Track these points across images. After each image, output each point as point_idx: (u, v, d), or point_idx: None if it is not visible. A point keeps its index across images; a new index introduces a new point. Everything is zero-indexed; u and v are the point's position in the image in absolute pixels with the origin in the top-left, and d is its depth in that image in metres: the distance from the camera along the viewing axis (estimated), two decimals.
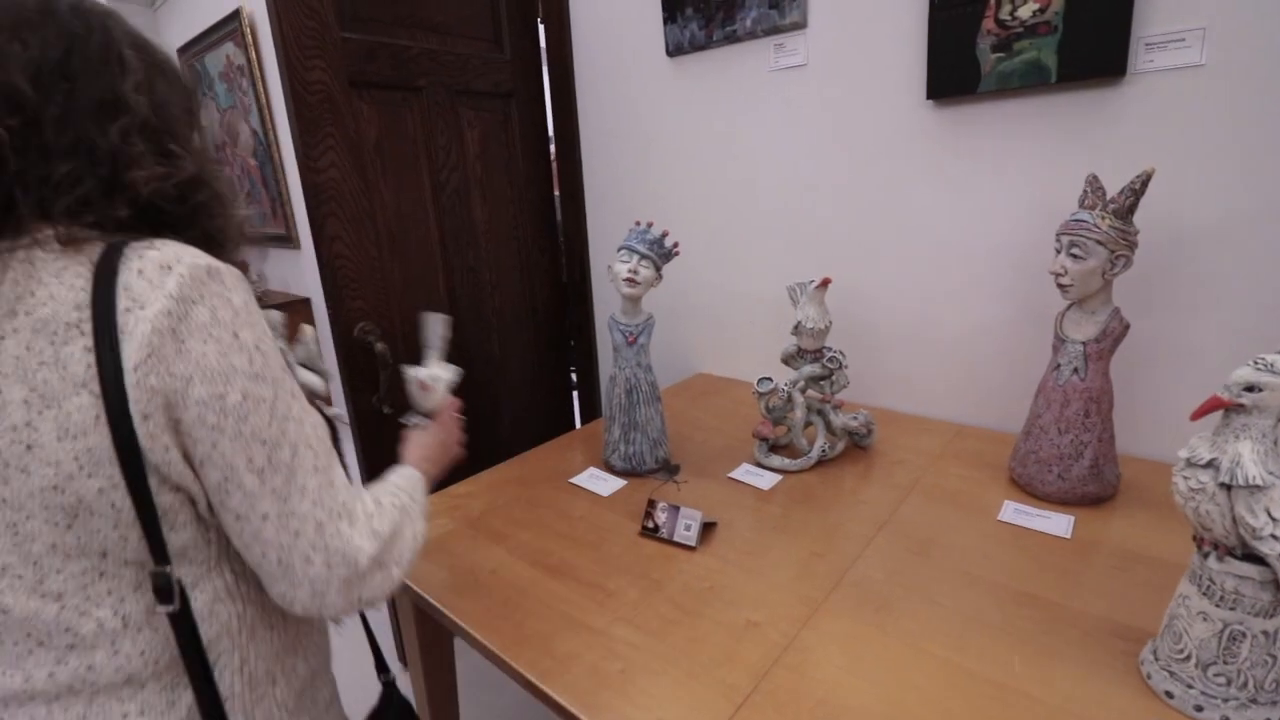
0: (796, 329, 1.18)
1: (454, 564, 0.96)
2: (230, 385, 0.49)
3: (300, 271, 3.41)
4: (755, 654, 0.75)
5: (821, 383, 1.20)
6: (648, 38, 1.64)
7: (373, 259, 1.48)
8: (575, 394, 2.16)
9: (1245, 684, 0.61)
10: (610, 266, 1.15)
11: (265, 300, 3.44)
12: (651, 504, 1.01)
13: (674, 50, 1.59)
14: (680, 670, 0.73)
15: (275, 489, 0.51)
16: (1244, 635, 0.61)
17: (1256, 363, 0.57)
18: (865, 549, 0.93)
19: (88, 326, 0.46)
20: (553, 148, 1.95)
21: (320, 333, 3.58)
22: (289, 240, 3.34)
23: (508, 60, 1.77)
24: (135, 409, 0.46)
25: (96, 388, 0.45)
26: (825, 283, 1.15)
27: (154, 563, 0.50)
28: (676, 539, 0.96)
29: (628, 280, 1.12)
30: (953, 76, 1.18)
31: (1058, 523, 0.94)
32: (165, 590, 0.50)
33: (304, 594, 0.53)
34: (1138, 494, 1.01)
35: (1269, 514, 0.56)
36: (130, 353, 0.45)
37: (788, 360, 1.24)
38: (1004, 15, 1.11)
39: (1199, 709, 0.62)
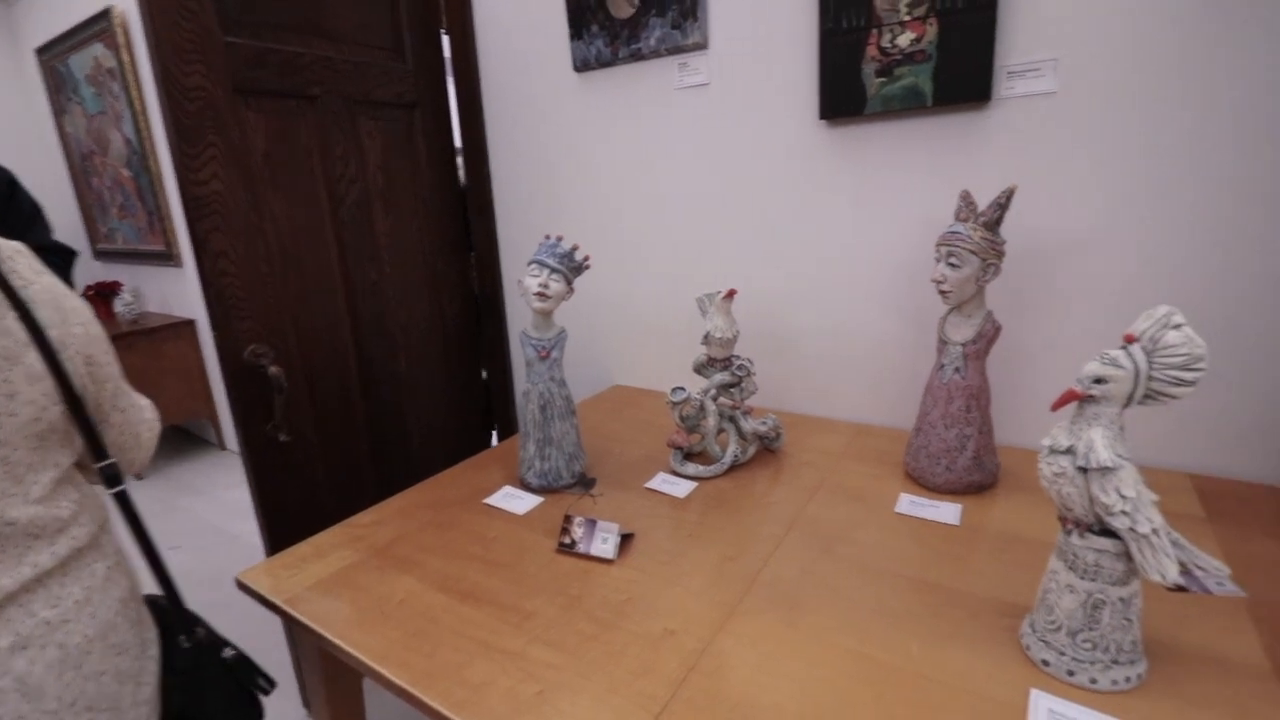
0: (706, 339, 1.21)
1: (358, 598, 0.91)
2: (95, 326, 0.71)
3: (183, 291, 3.15)
4: (673, 663, 0.75)
5: (732, 390, 1.23)
6: (555, 53, 1.64)
7: (263, 276, 1.39)
8: (491, 411, 2.11)
9: (1108, 647, 0.68)
10: (520, 281, 1.14)
11: (143, 323, 3.15)
12: (568, 519, 1.00)
13: (581, 66, 1.61)
14: (599, 686, 0.73)
15: (124, 391, 0.77)
16: (1104, 603, 0.67)
17: (1103, 358, 0.64)
18: (776, 549, 0.96)
19: (7, 303, 0.62)
20: (460, 160, 1.92)
21: (205, 356, 3.33)
22: (169, 258, 3.08)
23: (410, 70, 1.73)
24: (63, 354, 0.66)
25: (35, 343, 0.63)
26: (731, 294, 1.19)
27: (94, 459, 0.71)
28: (594, 553, 0.96)
29: (538, 294, 1.12)
30: (842, 98, 1.26)
31: (947, 511, 1.01)
32: (113, 478, 0.73)
33: (144, 455, 0.82)
34: (1015, 480, 1.10)
35: (1119, 492, 0.63)
36: (43, 317, 0.64)
37: (699, 369, 1.27)
38: (885, 43, 1.19)
39: (1070, 674, 0.69)
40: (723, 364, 1.23)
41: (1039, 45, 1.09)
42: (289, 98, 1.44)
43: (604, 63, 1.57)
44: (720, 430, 1.23)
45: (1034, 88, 1.10)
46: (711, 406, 1.20)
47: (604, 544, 0.96)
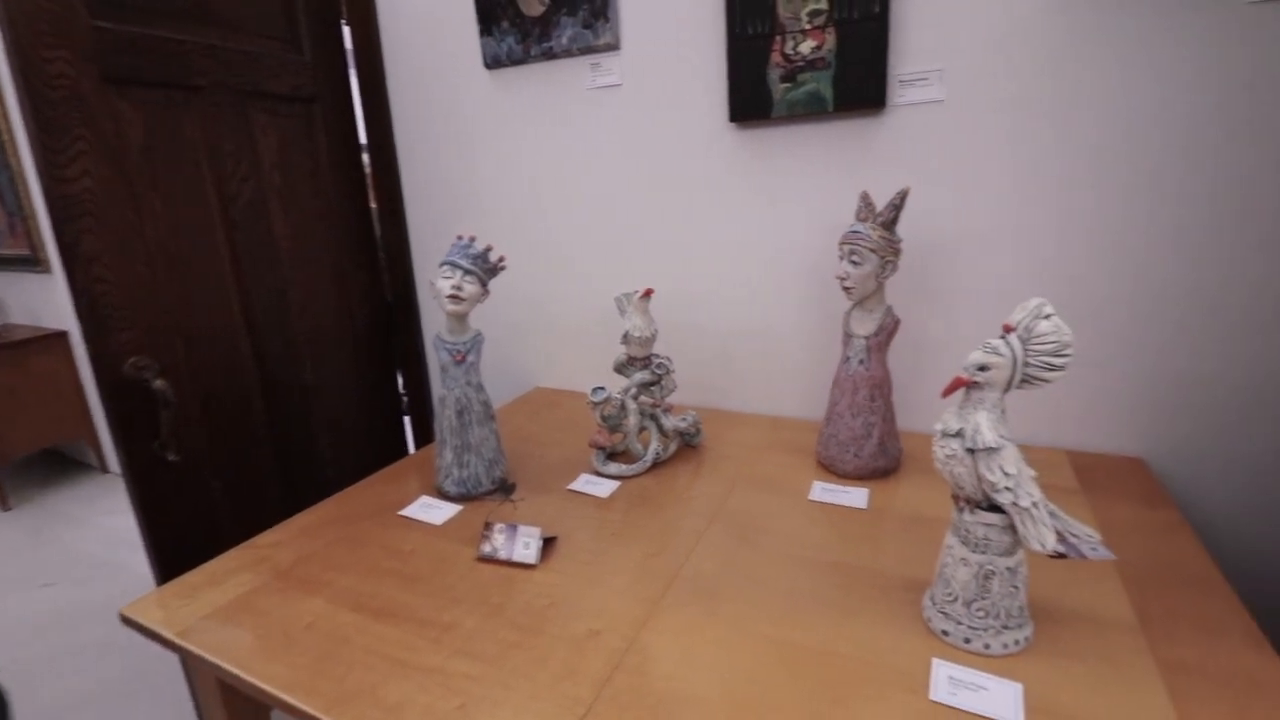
0: (625, 338, 1.22)
1: (261, 624, 0.85)
2: None
3: (52, 300, 2.86)
4: (597, 663, 0.75)
5: (652, 388, 1.24)
6: (464, 48, 1.60)
7: (144, 282, 1.28)
8: (408, 418, 2.03)
9: (999, 614, 0.73)
10: (432, 283, 1.11)
11: (7, 336, 2.82)
12: (488, 526, 0.98)
13: (492, 63, 1.57)
14: (522, 694, 0.71)
15: None
16: (994, 573, 0.73)
17: (985, 347, 0.69)
18: (698, 543, 0.98)
19: None
20: (366, 157, 1.83)
21: (81, 371, 3.03)
22: (35, 263, 2.79)
23: (308, 62, 1.64)
24: None
25: None
26: (648, 293, 1.20)
27: None
28: (516, 559, 0.94)
29: (452, 297, 1.08)
30: (750, 102, 1.30)
31: (856, 496, 1.07)
32: None
33: None
34: (917, 464, 1.17)
35: (1002, 470, 0.68)
36: None
37: (619, 369, 1.27)
38: (789, 50, 1.24)
39: (967, 641, 0.74)
40: (642, 363, 1.24)
41: (927, 56, 1.17)
42: (170, 88, 1.33)
43: (516, 60, 1.54)
44: (642, 429, 1.24)
45: (923, 96, 1.18)
46: (632, 405, 1.21)
47: (526, 549, 0.94)
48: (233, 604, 0.89)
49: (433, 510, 1.11)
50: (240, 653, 0.80)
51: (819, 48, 1.21)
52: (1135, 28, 1.03)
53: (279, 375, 1.59)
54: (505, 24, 1.52)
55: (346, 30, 1.74)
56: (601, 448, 1.22)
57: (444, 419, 1.13)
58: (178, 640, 0.83)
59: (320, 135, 1.68)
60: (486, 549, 0.96)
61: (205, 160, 1.41)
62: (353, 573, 0.95)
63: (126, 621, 0.87)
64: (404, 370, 1.97)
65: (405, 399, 2.00)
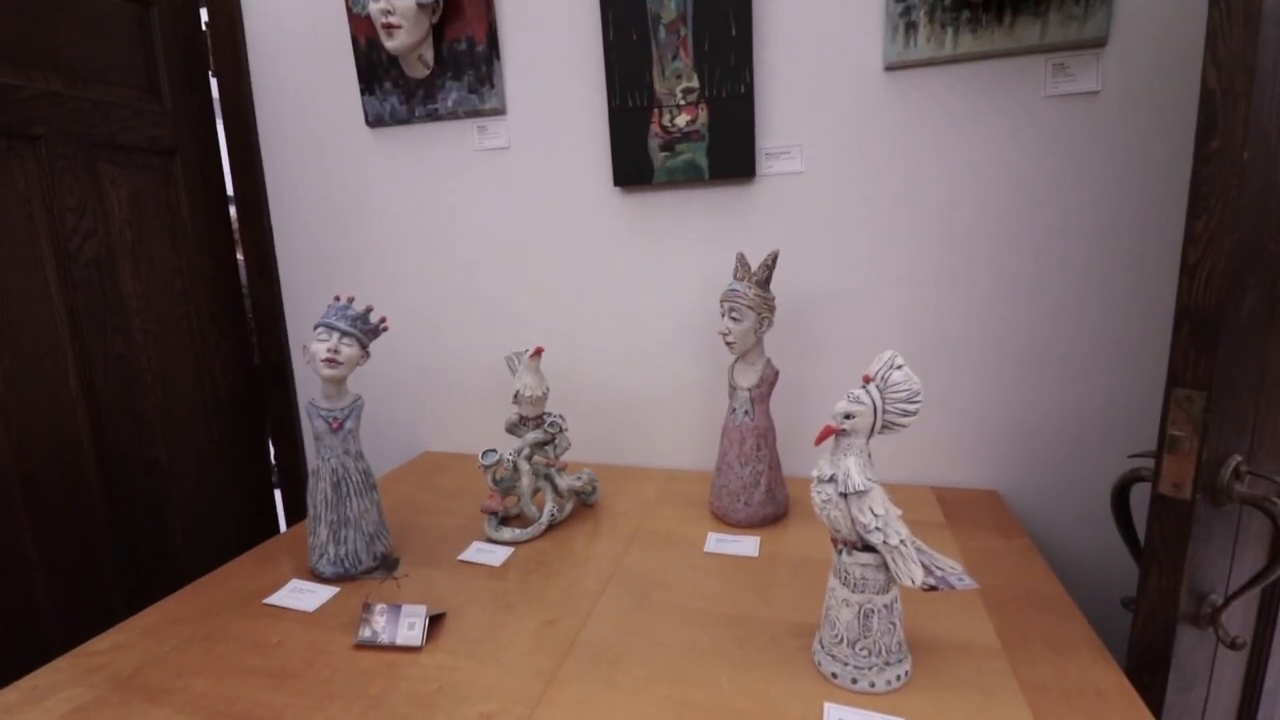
0: (516, 397, 1.20)
1: None
2: None
3: None
4: None
5: (545, 448, 1.23)
6: (344, 105, 1.57)
7: None
8: (279, 492, 1.86)
9: (880, 651, 0.77)
10: (306, 347, 1.04)
11: None
12: (367, 608, 0.91)
13: (374, 121, 1.55)
14: None
15: None
16: (873, 611, 0.76)
17: (849, 396, 0.74)
18: (595, 605, 0.96)
19: None
20: (233, 209, 1.72)
21: None
22: None
23: (168, 112, 1.54)
24: None
25: None
26: (538, 352, 1.20)
27: None
28: (400, 642, 0.87)
29: (327, 361, 1.03)
30: (632, 168, 1.36)
31: (748, 545, 1.09)
32: None
33: None
34: (804, 509, 1.22)
35: (872, 511, 0.73)
36: None
37: (511, 429, 1.24)
38: (666, 122, 1.32)
39: (854, 681, 0.76)
40: (535, 422, 1.22)
41: (788, 131, 1.29)
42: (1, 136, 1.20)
43: (399, 120, 1.53)
44: (536, 490, 1.21)
45: (786, 167, 1.29)
46: (525, 466, 1.18)
47: (410, 630, 0.88)
48: None
49: (304, 595, 1.01)
50: None
51: (693, 121, 1.30)
52: (958, 110, 1.19)
53: (124, 454, 1.42)
54: (388, 84, 1.51)
55: (213, 81, 1.66)
56: (494, 512, 1.18)
57: (318, 492, 1.05)
58: None
59: (180, 189, 1.57)
60: (366, 634, 0.89)
61: (40, 214, 1.27)
62: (208, 675, 0.84)
63: None
64: (276, 439, 1.82)
65: (276, 470, 1.84)
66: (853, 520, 0.74)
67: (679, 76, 1.29)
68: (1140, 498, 0.87)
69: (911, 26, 1.17)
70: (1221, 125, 0.69)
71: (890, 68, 1.21)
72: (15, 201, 1.24)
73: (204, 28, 1.64)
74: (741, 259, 1.14)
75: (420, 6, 1.36)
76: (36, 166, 1.27)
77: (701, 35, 1.26)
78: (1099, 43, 1.11)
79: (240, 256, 1.75)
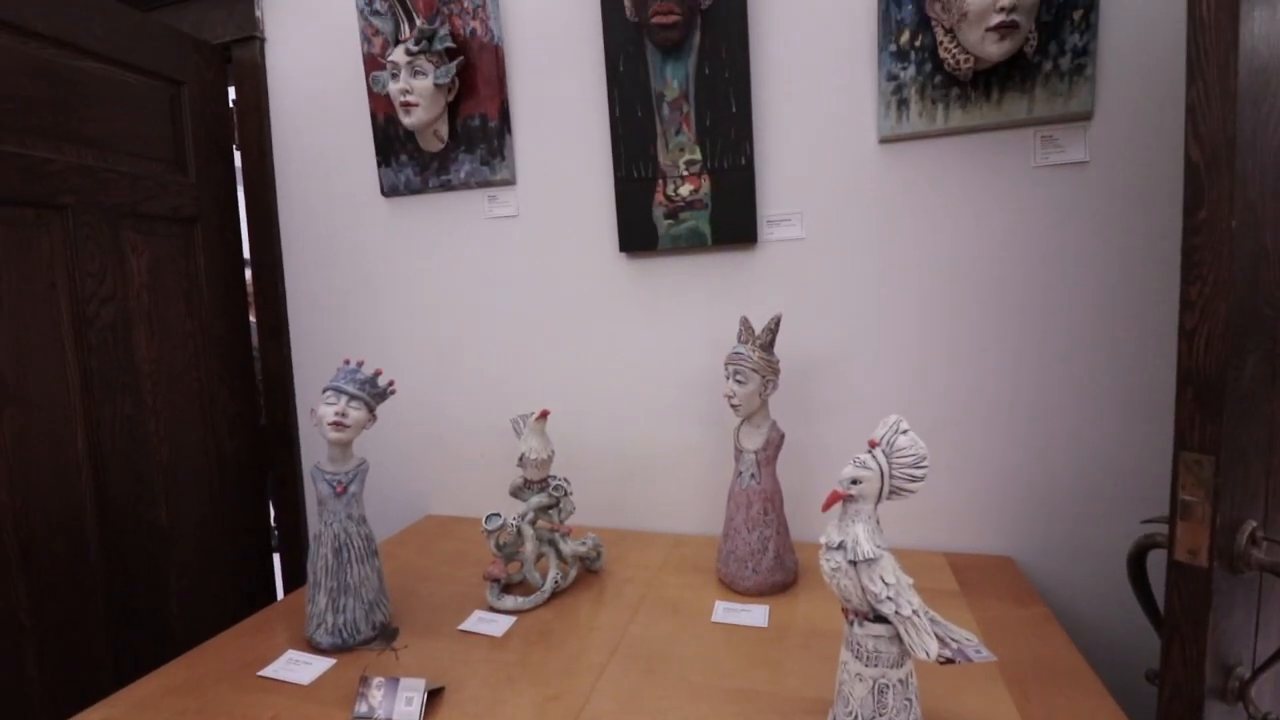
0: (521, 460, 1.20)
1: None
2: None
3: None
4: None
5: (550, 511, 1.21)
6: (362, 175, 1.64)
7: None
8: (278, 556, 1.83)
9: None
10: (314, 410, 1.05)
11: None
12: (364, 682, 0.88)
13: (389, 191, 1.61)
14: None
15: None
16: (888, 687, 0.74)
17: (855, 461, 0.74)
18: (599, 679, 0.93)
19: None
20: (249, 270, 1.77)
21: None
22: None
23: (192, 183, 1.61)
24: None
25: None
26: (544, 414, 1.20)
27: None
28: (396, 718, 0.84)
29: (334, 424, 1.03)
30: (637, 235, 1.40)
31: (757, 614, 1.06)
32: None
33: None
34: (813, 575, 1.19)
35: (883, 580, 0.72)
36: None
37: (516, 493, 1.23)
38: (670, 192, 1.37)
39: None
40: (539, 485, 1.21)
41: (789, 199, 1.33)
42: (27, 206, 1.25)
43: (414, 190, 1.59)
44: (540, 555, 1.19)
45: (787, 234, 1.33)
46: (529, 531, 1.17)
47: (408, 705, 0.85)
48: None
49: (300, 667, 0.98)
50: None
51: (696, 191, 1.35)
52: (953, 179, 1.23)
53: (125, 517, 1.41)
54: (404, 157, 1.58)
55: (237, 151, 1.74)
56: (497, 580, 1.15)
57: (318, 558, 1.03)
58: None
59: (199, 255, 1.62)
60: (362, 709, 0.86)
61: (61, 281, 1.31)
62: None
63: None
64: (278, 503, 1.81)
65: (276, 534, 1.82)
66: (863, 589, 0.72)
67: (682, 149, 1.35)
68: (1157, 563, 0.85)
69: (904, 103, 1.23)
70: (1208, 197, 0.71)
71: (885, 140, 1.26)
72: (39, 268, 1.28)
73: (231, 105, 1.73)
74: (745, 322, 1.15)
75: (437, 86, 1.44)
76: (62, 235, 1.32)
77: (703, 112, 1.32)
78: (1085, 116, 1.15)
79: (253, 318, 1.79)
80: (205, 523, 1.61)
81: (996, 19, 1.06)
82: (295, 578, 1.80)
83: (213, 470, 1.63)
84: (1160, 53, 1.11)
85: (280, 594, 1.83)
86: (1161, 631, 0.77)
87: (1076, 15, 1.12)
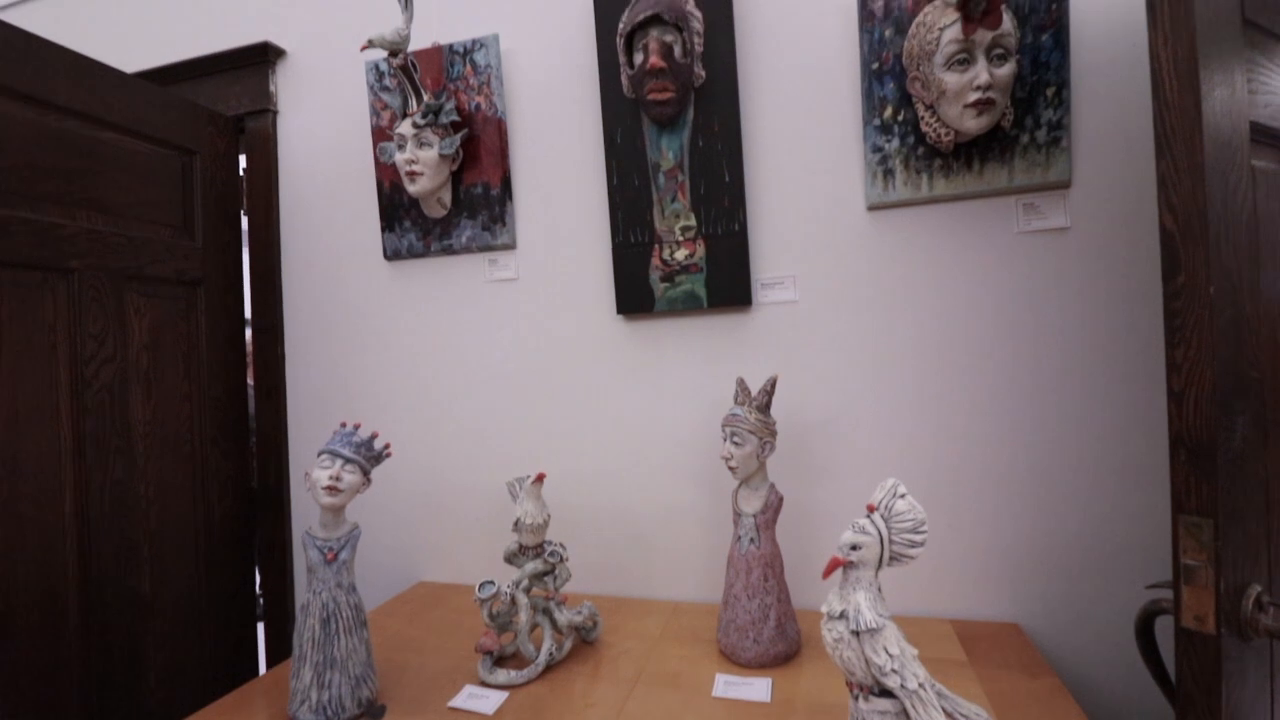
0: (517, 525, 1.18)
1: None
2: None
3: None
4: None
5: (545, 578, 1.18)
6: (366, 240, 1.68)
7: None
8: (261, 626, 1.77)
9: None
10: (308, 474, 1.04)
11: None
12: None
13: (392, 255, 1.65)
14: None
15: None
16: None
17: (854, 527, 0.74)
18: None
19: None
20: (249, 330, 1.78)
21: None
22: None
23: (199, 247, 1.64)
24: None
25: None
26: (540, 478, 1.19)
27: None
28: None
29: (329, 489, 1.02)
30: (634, 298, 1.43)
31: (759, 688, 1.02)
32: None
33: None
34: (816, 646, 1.15)
35: (887, 651, 0.70)
36: None
37: (510, 558, 1.21)
38: (666, 256, 1.41)
39: None
40: (534, 551, 1.19)
41: (782, 264, 1.37)
42: (34, 269, 1.28)
43: (416, 254, 1.63)
44: (534, 625, 1.15)
45: (781, 296, 1.36)
46: (524, 599, 1.14)
47: None
48: None
49: None
50: None
51: (691, 255, 1.39)
52: (940, 244, 1.27)
53: (107, 587, 1.36)
54: (408, 223, 1.63)
55: (244, 218, 1.78)
56: (488, 652, 1.11)
57: (305, 630, 1.00)
58: None
59: (200, 317, 1.64)
60: None
61: (62, 342, 1.32)
62: None
63: None
64: (264, 568, 1.76)
65: (261, 602, 1.76)
66: (867, 661, 0.70)
67: (678, 216, 1.39)
68: (1165, 627, 0.83)
69: (889, 173, 1.28)
70: (1185, 263, 0.74)
71: (873, 208, 1.30)
72: (41, 331, 1.29)
73: (241, 173, 1.79)
74: (741, 384, 1.16)
75: (442, 157, 1.49)
76: (66, 297, 1.34)
77: (698, 181, 1.38)
78: (1064, 184, 1.20)
79: (250, 380, 1.79)
80: (189, 590, 1.56)
81: (974, 96, 1.12)
82: (279, 649, 1.73)
83: (200, 534, 1.60)
84: (1132, 125, 1.17)
85: (263, 667, 1.75)
86: (1175, 704, 0.75)
87: (1049, 92, 1.19)
